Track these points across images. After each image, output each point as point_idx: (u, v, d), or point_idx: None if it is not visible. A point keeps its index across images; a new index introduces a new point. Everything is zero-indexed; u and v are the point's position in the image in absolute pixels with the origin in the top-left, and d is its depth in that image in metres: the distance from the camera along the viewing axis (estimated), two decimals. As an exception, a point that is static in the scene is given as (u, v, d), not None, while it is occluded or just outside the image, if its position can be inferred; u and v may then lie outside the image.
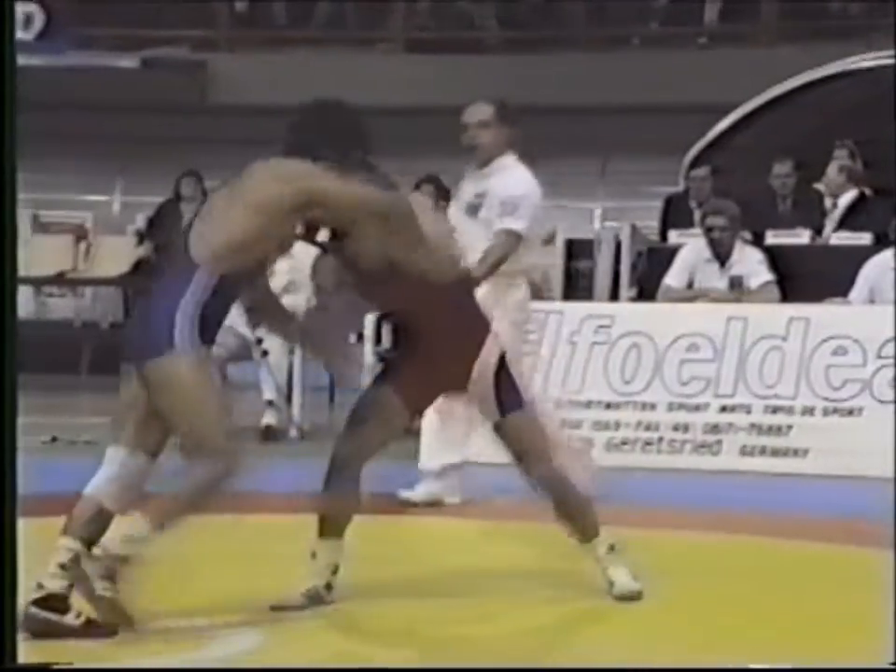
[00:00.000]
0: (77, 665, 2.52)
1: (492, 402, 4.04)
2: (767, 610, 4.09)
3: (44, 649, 2.64)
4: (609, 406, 7.50)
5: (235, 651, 3.59)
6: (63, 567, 3.52)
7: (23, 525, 4.28)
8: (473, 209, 5.59)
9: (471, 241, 5.46)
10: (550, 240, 10.82)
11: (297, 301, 8.74)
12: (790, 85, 10.03)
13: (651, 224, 9.99)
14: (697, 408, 7.40)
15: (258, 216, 3.62)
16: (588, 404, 7.51)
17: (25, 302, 12.54)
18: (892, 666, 2.99)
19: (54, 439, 7.75)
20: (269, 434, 8.23)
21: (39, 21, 13.08)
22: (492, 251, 5.64)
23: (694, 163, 9.90)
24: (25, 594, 2.16)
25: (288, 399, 8.45)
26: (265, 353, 8.34)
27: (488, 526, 5.69)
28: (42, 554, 3.74)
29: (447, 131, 12.35)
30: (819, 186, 9.16)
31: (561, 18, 13.44)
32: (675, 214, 9.59)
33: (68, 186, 13.51)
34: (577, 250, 10.84)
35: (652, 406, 7.46)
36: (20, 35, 13.02)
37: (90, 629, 3.49)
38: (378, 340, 8.59)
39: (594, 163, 12.85)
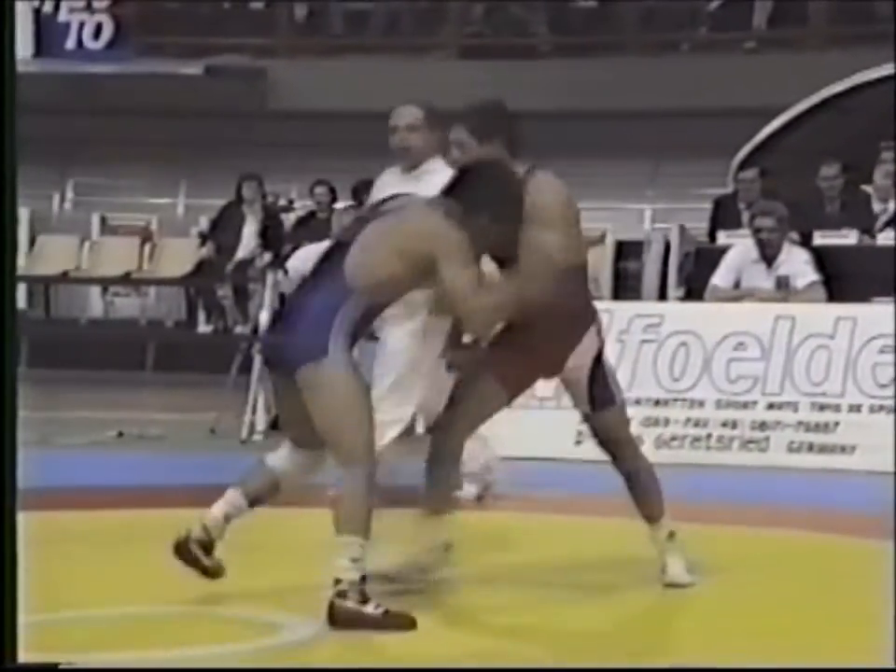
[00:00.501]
0: (76, 665, 2.53)
1: (584, 394, 4.08)
2: (816, 605, 4.06)
3: (44, 649, 2.67)
4: (658, 403, 7.47)
5: (297, 640, 3.60)
6: (354, 560, 3.75)
7: (94, 516, 4.32)
8: None
9: None
10: (600, 240, 10.78)
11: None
12: (837, 88, 9.94)
13: (699, 225, 9.94)
14: (745, 405, 7.36)
15: (415, 265, 3.86)
16: (637, 401, 7.48)
17: (93, 302, 12.67)
18: (892, 667, 2.93)
19: (120, 434, 7.82)
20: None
21: (108, 30, 13.21)
22: None
23: (743, 165, 9.83)
24: (26, 592, 2.15)
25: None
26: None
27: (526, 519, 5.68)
28: (118, 544, 3.76)
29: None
30: (867, 188, 9.07)
31: (612, 23, 13.38)
32: (723, 215, 9.53)
33: (135, 189, 13.62)
34: (626, 251, 10.79)
35: (701, 403, 7.42)
36: (90, 44, 13.19)
37: (389, 619, 3.69)
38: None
39: (644, 166, 12.79)
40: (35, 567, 3.77)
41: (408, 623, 3.66)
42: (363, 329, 3.91)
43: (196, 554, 3.89)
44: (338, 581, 3.71)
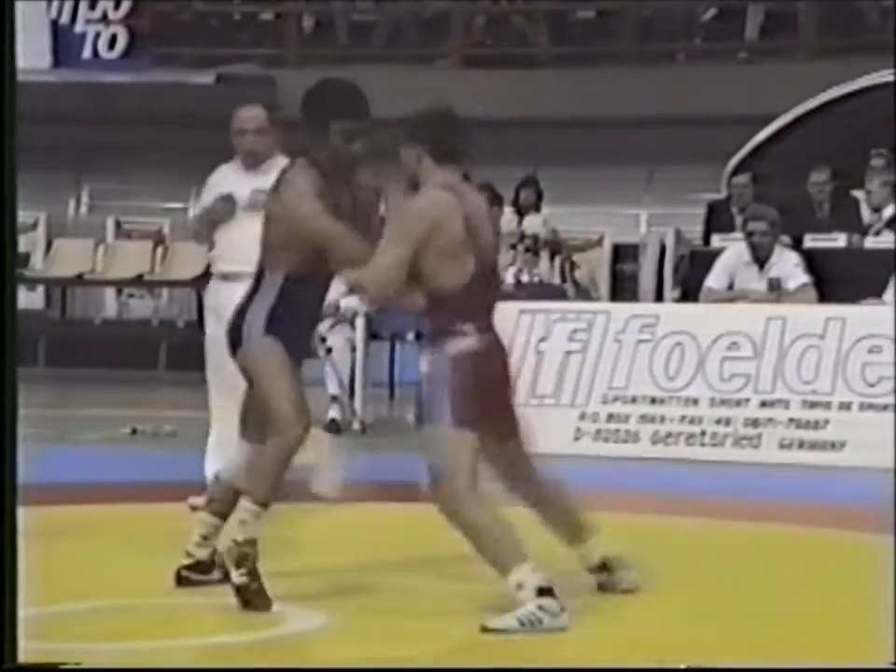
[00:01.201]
0: (76, 665, 2.51)
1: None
2: (808, 596, 4.05)
3: (44, 648, 2.66)
4: (653, 401, 7.46)
5: (302, 630, 3.59)
6: (204, 538, 3.88)
7: (109, 510, 4.31)
8: (255, 203, 5.10)
9: (255, 236, 5.25)
10: (597, 243, 10.79)
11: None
12: (827, 97, 9.93)
13: (694, 229, 9.93)
14: (738, 403, 7.35)
15: (293, 233, 3.83)
16: (634, 399, 7.48)
17: (108, 303, 12.67)
18: (893, 667, 2.91)
19: (134, 431, 7.82)
20: (333, 427, 8.25)
21: (123, 41, 13.22)
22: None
23: (736, 171, 9.83)
24: (38, 583, 2.14)
25: (351, 394, 8.47)
26: (329, 350, 8.37)
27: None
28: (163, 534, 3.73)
29: (503, 141, 12.35)
30: (857, 193, 9.06)
31: (610, 34, 13.38)
32: (717, 219, 9.52)
33: (148, 194, 13.61)
34: (623, 254, 10.80)
35: (695, 401, 7.41)
36: (106, 54, 13.19)
37: (246, 592, 3.70)
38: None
39: (640, 172, 12.78)
40: (51, 558, 3.77)
41: (264, 605, 3.62)
42: (298, 312, 3.82)
43: (197, 579, 3.91)
44: (189, 555, 3.82)
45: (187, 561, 3.95)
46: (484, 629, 3.48)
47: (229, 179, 5.42)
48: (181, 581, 3.95)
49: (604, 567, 3.93)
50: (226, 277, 5.30)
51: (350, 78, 4.07)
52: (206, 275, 13.47)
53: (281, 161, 5.20)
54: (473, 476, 3.63)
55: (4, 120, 1.97)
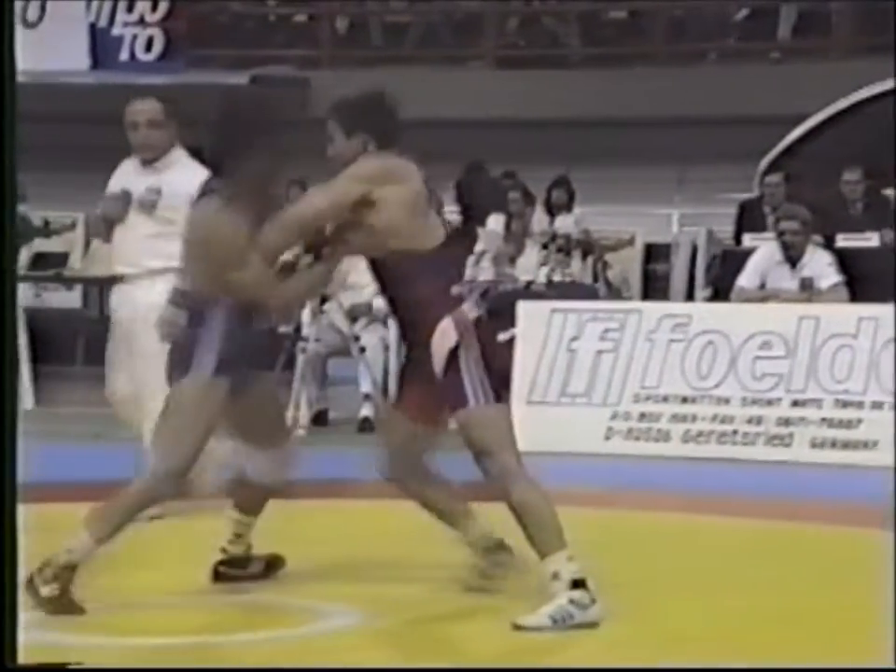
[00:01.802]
0: (76, 665, 2.52)
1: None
2: (834, 593, 4.02)
3: (45, 648, 2.65)
4: (685, 400, 7.44)
5: (335, 627, 3.59)
6: (237, 535, 3.92)
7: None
8: (148, 205, 5.04)
9: (146, 236, 5.06)
10: (629, 243, 10.76)
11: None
12: (859, 96, 9.86)
13: (726, 229, 9.89)
14: (770, 402, 7.32)
15: (217, 266, 3.76)
16: (665, 398, 7.46)
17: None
18: (892, 667, 2.88)
19: None
20: (365, 425, 8.27)
21: (160, 43, 13.28)
22: None
23: (768, 171, 9.79)
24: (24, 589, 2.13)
25: (384, 392, 8.48)
26: (363, 349, 8.39)
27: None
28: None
29: (535, 141, 12.30)
30: (889, 192, 9.00)
31: (642, 34, 13.33)
32: (749, 219, 9.49)
33: (184, 194, 13.65)
34: (655, 253, 10.77)
35: (727, 400, 7.38)
36: (143, 56, 13.25)
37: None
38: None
39: (672, 171, 12.73)
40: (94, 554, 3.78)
41: (75, 611, 3.60)
42: (247, 342, 3.70)
43: (234, 574, 3.92)
44: (224, 551, 3.88)
45: (222, 557, 3.96)
46: (517, 627, 3.46)
47: (127, 175, 5.18)
48: (218, 576, 3.95)
49: (489, 550, 3.84)
50: (121, 279, 5.19)
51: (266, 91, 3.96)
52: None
53: (178, 156, 5.05)
54: (518, 450, 3.61)
55: (4, 120, 1.96)
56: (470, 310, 3.53)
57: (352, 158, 3.66)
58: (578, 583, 3.48)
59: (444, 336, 3.57)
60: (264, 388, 3.87)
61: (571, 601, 3.45)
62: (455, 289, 3.66)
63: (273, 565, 4.03)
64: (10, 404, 1.99)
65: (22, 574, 2.07)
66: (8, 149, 1.98)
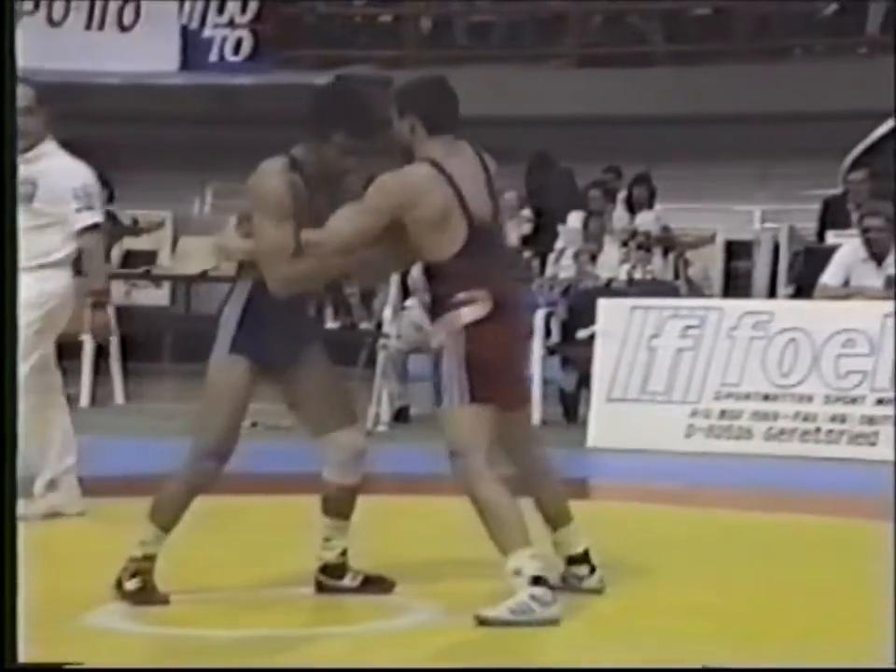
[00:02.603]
0: (76, 666, 2.54)
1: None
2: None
3: (44, 649, 2.71)
4: (767, 398, 7.37)
5: (416, 622, 3.61)
6: (326, 539, 3.86)
7: (228, 501, 4.38)
8: (24, 197, 4.75)
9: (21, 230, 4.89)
10: (710, 240, 10.66)
11: None
12: (947, 91, 9.67)
13: (808, 226, 9.76)
14: (854, 400, 7.22)
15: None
16: (747, 396, 7.39)
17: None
18: (892, 667, 2.83)
19: (254, 424, 7.93)
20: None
21: (248, 44, 13.44)
22: (92, 255, 5.04)
23: (853, 167, 9.65)
24: (27, 591, 2.15)
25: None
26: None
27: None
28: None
29: (618, 139, 12.23)
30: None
31: (726, 31, 13.20)
32: (833, 215, 9.36)
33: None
34: (737, 251, 10.66)
35: (810, 398, 7.30)
36: (231, 58, 13.42)
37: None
38: (548, 333, 8.58)
39: (755, 168, 12.59)
40: (177, 545, 3.85)
41: (159, 601, 3.65)
42: (270, 321, 3.70)
43: (331, 586, 3.86)
44: (319, 559, 3.80)
45: (317, 564, 3.90)
46: (479, 620, 3.47)
47: None
48: (320, 587, 3.89)
49: (575, 560, 3.81)
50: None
51: (363, 88, 4.01)
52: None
53: (51, 147, 4.90)
54: (490, 451, 3.59)
55: (4, 119, 1.98)
56: (472, 313, 3.53)
57: (402, 139, 3.68)
58: (538, 580, 3.50)
59: (434, 337, 3.62)
60: (315, 373, 3.82)
61: (532, 597, 3.47)
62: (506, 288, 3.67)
63: (375, 584, 3.90)
64: (10, 403, 2.00)
65: (22, 574, 2.08)
66: (9, 148, 2.00)
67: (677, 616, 3.72)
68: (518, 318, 3.67)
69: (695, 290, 9.36)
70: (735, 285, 10.30)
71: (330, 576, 3.89)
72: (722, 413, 7.41)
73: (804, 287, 8.36)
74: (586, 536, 3.79)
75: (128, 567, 3.73)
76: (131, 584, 3.70)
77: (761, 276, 9.28)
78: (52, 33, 13.46)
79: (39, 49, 13.37)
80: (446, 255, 3.56)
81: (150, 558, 3.75)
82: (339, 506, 3.86)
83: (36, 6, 13.40)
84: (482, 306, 3.52)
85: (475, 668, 3.10)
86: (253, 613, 3.71)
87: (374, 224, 3.58)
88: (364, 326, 9.47)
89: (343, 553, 3.90)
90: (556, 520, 3.79)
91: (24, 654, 2.24)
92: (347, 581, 3.88)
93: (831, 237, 8.63)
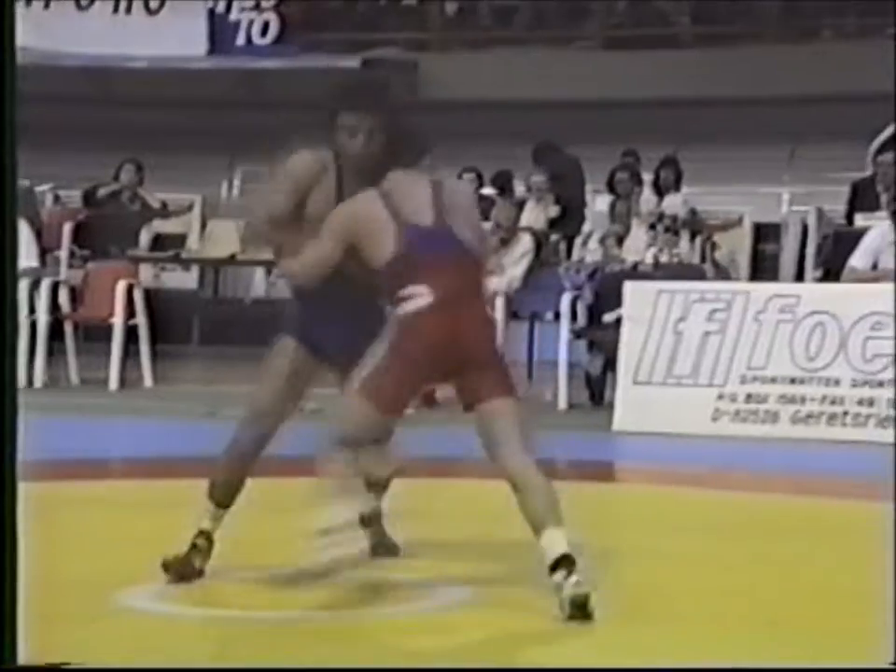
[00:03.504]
0: (76, 665, 2.54)
1: None
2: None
3: (45, 648, 2.69)
4: (793, 381, 7.33)
5: (447, 604, 3.62)
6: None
7: (257, 484, 4.39)
8: None
9: None
10: (738, 223, 10.61)
11: None
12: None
13: (837, 208, 9.69)
14: (881, 384, 7.17)
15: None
16: (773, 379, 7.36)
17: (257, 283, 12.93)
18: (892, 666, 2.80)
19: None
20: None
21: (274, 28, 13.44)
22: None
23: (882, 149, 9.56)
24: (26, 587, 2.13)
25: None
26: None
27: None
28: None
29: (643, 122, 12.16)
30: None
31: (753, 13, 13.10)
32: (861, 198, 9.29)
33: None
34: (764, 234, 10.61)
35: (837, 381, 7.26)
36: (258, 41, 13.43)
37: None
38: (574, 317, 8.57)
39: (782, 150, 12.52)
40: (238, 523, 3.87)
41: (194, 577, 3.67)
42: (318, 308, 3.76)
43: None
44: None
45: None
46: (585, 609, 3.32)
47: None
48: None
49: (555, 567, 3.45)
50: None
51: (371, 70, 3.97)
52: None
53: None
54: (358, 455, 3.57)
55: (4, 119, 1.96)
56: (408, 307, 3.51)
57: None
58: None
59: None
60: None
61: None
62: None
63: (386, 549, 3.97)
64: (10, 390, 1.99)
65: (22, 575, 2.05)
66: (9, 146, 1.99)
67: (701, 599, 3.71)
68: (470, 309, 3.55)
69: (722, 274, 9.32)
70: (763, 268, 10.25)
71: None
72: (749, 397, 7.38)
73: (832, 271, 8.31)
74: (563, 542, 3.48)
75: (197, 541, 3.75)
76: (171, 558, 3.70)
77: (788, 259, 9.23)
78: (80, 17, 13.49)
79: (67, 33, 13.44)
80: (383, 261, 3.59)
81: (205, 534, 3.77)
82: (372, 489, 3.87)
83: (65, -10, 13.43)
84: (420, 300, 3.52)
85: (476, 668, 3.09)
86: (288, 594, 3.71)
87: (332, 246, 3.64)
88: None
89: (381, 534, 3.99)
90: (539, 522, 3.51)
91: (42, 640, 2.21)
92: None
93: (859, 220, 8.57)
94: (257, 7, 13.51)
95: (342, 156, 3.73)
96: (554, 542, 3.39)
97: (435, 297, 3.49)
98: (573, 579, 3.33)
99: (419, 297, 3.52)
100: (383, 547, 4.04)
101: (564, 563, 3.35)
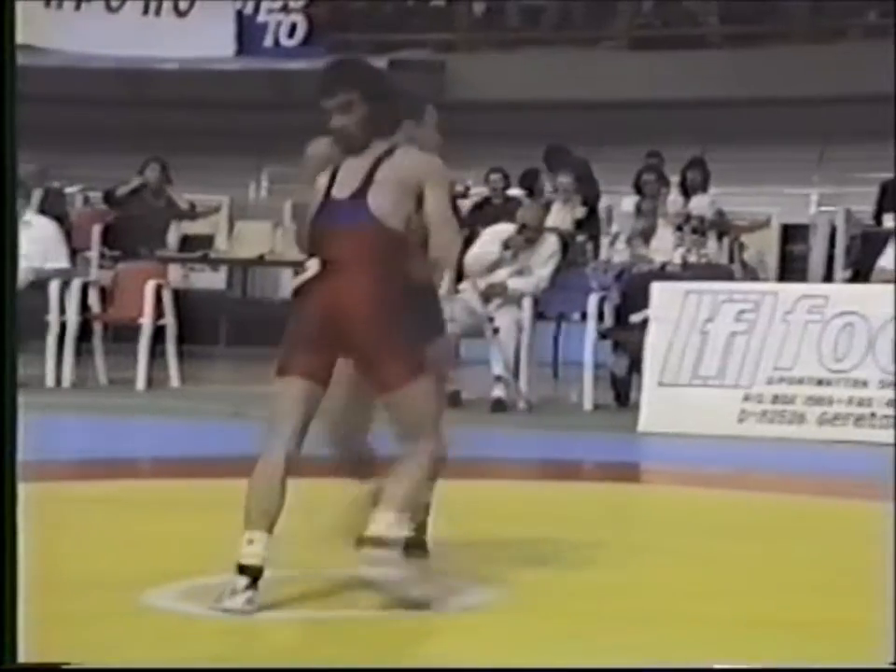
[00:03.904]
0: (76, 665, 2.54)
1: None
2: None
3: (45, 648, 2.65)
4: (820, 382, 7.29)
5: (475, 604, 3.62)
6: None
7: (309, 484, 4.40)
8: None
9: None
10: (766, 224, 10.57)
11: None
12: None
13: (866, 209, 9.64)
14: (909, 385, 7.13)
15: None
16: (800, 380, 7.32)
17: (285, 283, 12.98)
18: (892, 666, 2.78)
19: None
20: (498, 406, 8.29)
21: (302, 29, 13.47)
22: None
23: (911, 149, 9.49)
24: (26, 589, 2.12)
25: (516, 373, 8.48)
26: (496, 330, 8.40)
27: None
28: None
29: (671, 122, 12.11)
30: None
31: (781, 12, 13.05)
32: (890, 198, 9.24)
33: (324, 177, 13.81)
34: (793, 234, 10.56)
35: (864, 383, 7.22)
36: (286, 42, 13.47)
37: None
38: (601, 317, 8.55)
39: (810, 151, 12.45)
40: (218, 528, 3.87)
41: None
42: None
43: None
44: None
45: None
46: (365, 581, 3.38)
47: None
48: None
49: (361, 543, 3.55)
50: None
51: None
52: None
53: None
54: (296, 427, 3.48)
55: (4, 118, 1.97)
56: (299, 279, 3.57)
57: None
58: (243, 569, 3.41)
59: None
60: None
61: (233, 587, 3.40)
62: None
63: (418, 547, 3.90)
64: (10, 400, 1.99)
65: (22, 575, 2.04)
66: (9, 147, 1.99)
67: (727, 600, 3.70)
68: (355, 281, 3.49)
69: (751, 274, 9.28)
70: (791, 269, 10.21)
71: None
72: (776, 398, 7.35)
73: (861, 271, 8.26)
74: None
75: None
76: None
77: (817, 260, 9.18)
78: (110, 19, 13.57)
79: (97, 36, 13.52)
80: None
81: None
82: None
83: (95, -7, 13.51)
84: (308, 272, 3.51)
85: (479, 669, 3.09)
86: (327, 594, 3.70)
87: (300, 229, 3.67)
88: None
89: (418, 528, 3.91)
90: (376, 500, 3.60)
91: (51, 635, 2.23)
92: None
93: (888, 220, 8.52)
94: (284, 8, 13.55)
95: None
96: (378, 522, 3.46)
97: (320, 268, 3.48)
98: (370, 561, 3.40)
99: (309, 269, 3.53)
100: (416, 547, 4.01)
101: (370, 542, 3.43)
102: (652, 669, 3.04)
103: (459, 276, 8.64)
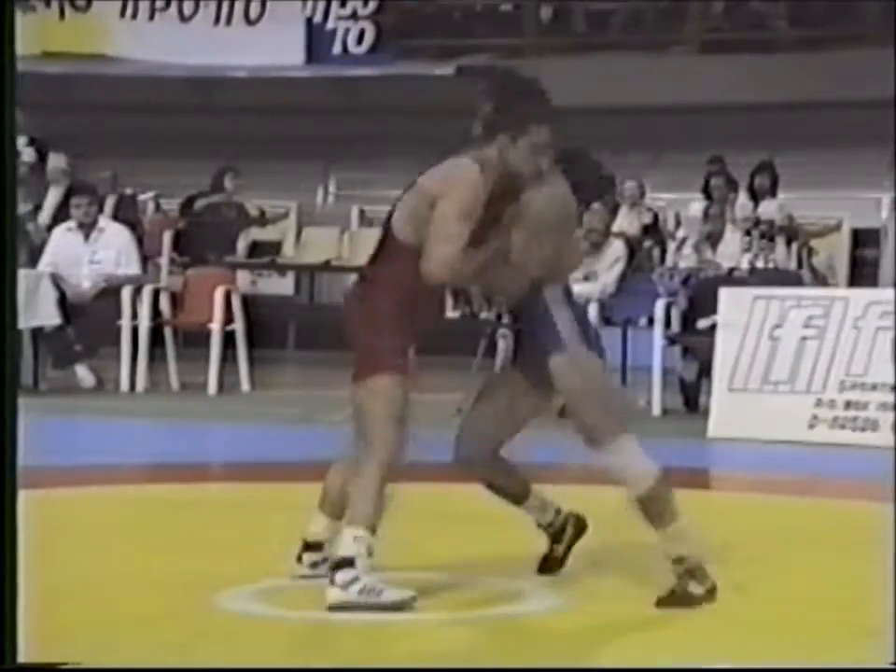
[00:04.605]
0: (75, 665, 2.54)
1: None
2: None
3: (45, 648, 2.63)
4: (894, 389, 7.19)
5: (540, 609, 3.61)
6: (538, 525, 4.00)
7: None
8: None
9: None
10: (836, 229, 10.45)
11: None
12: None
13: (939, 213, 9.46)
14: (984, 392, 7.00)
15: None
16: (874, 387, 7.23)
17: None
18: (892, 666, 2.73)
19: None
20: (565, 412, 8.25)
21: (370, 36, 13.54)
22: None
23: (984, 152, 9.33)
24: (26, 591, 2.11)
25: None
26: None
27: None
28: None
29: (740, 126, 12.00)
30: None
31: (851, 15, 12.89)
32: (964, 202, 9.07)
33: (390, 183, 13.89)
34: (863, 239, 10.43)
35: (938, 389, 7.10)
36: (354, 49, 13.54)
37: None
38: (668, 323, 8.50)
39: (882, 154, 12.27)
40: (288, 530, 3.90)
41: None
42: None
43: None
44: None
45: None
46: (330, 607, 3.43)
47: None
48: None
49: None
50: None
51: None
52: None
53: None
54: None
55: (4, 118, 1.98)
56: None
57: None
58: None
59: None
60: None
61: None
62: None
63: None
64: (10, 399, 2.00)
65: (21, 575, 2.08)
66: (9, 148, 2.01)
67: (798, 608, 3.66)
68: (359, 290, 3.82)
69: (820, 280, 9.18)
70: (862, 274, 10.08)
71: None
72: (848, 404, 7.26)
73: (933, 277, 8.14)
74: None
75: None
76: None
77: (888, 265, 9.05)
78: (183, 28, 13.73)
79: (170, 44, 13.69)
80: None
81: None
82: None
83: (167, 3, 13.67)
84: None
85: (489, 669, 3.08)
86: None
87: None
88: (484, 315, 9.48)
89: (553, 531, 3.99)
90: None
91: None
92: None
93: (961, 224, 8.37)
94: (353, 15, 13.62)
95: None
96: (337, 544, 3.55)
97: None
98: (338, 583, 3.44)
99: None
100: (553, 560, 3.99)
101: (334, 566, 3.49)
102: (655, 670, 3.03)
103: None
